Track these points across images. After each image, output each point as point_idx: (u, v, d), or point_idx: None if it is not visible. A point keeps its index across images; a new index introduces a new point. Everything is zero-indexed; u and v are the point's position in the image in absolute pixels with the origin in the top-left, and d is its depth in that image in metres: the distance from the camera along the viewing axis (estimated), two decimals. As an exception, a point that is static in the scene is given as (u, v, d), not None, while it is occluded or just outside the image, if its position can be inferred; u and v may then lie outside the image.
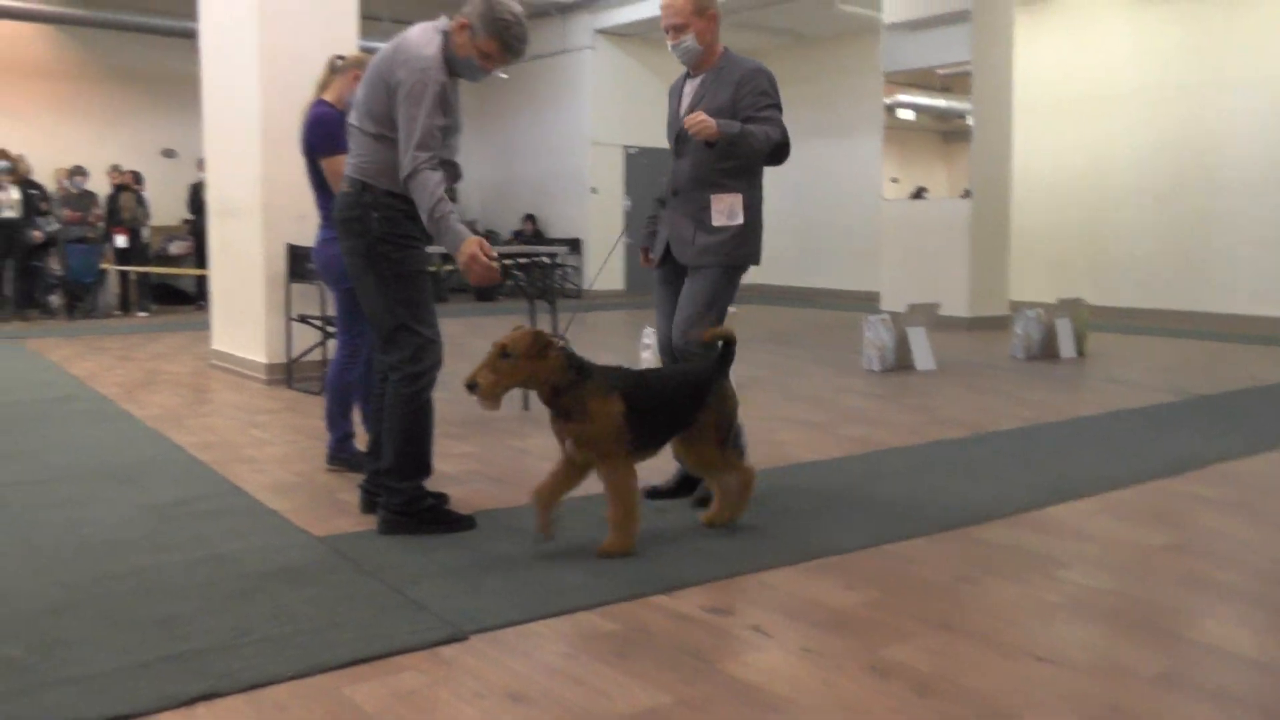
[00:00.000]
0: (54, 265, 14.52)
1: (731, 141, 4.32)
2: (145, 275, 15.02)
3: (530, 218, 18.87)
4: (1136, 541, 4.10)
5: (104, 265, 14.74)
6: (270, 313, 8.15)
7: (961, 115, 13.03)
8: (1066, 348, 9.78)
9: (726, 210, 4.52)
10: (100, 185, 15.00)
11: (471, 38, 4.06)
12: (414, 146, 3.92)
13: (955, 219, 12.88)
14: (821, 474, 5.18)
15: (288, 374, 8.07)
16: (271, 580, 3.60)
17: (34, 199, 14.11)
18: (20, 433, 6.24)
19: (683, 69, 4.71)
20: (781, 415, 6.75)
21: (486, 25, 4.04)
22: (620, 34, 18.10)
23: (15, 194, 13.81)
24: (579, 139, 18.45)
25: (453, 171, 4.14)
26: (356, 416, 5.34)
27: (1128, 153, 14.49)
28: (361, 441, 5.35)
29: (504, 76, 5.32)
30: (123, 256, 14.70)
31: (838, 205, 18.33)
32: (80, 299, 14.56)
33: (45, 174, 14.99)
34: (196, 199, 14.17)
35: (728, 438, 4.10)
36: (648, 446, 3.96)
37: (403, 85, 3.96)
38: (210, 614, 3.29)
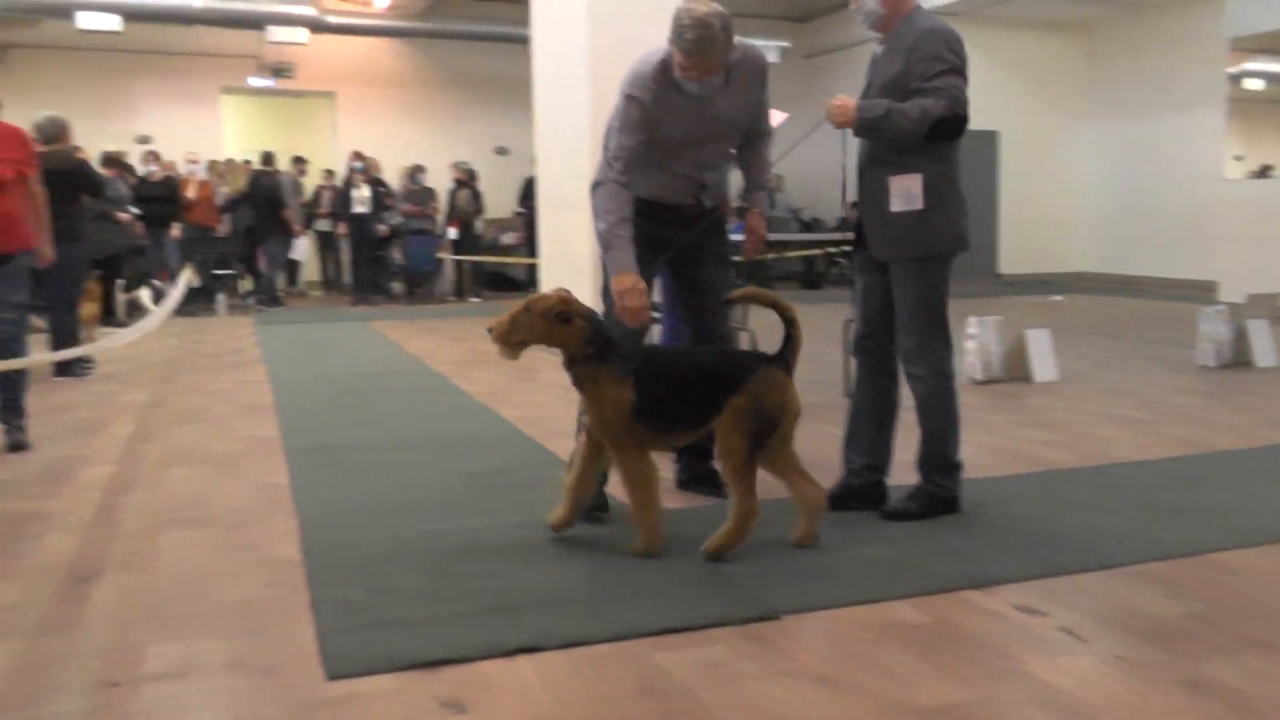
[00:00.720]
0: (396, 255, 15.67)
1: (873, 126, 4.00)
2: (478, 264, 15.94)
3: (855, 205, 18.61)
4: None
5: (441, 255, 15.77)
6: (596, 299, 8.48)
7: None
8: None
9: (904, 194, 4.06)
10: (439, 181, 16.04)
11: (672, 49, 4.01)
12: (606, 160, 4.09)
13: (1307, 202, 11.88)
14: (1144, 475, 4.95)
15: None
16: (589, 547, 3.83)
17: (380, 195, 15.25)
18: (363, 403, 6.85)
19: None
20: (1103, 411, 6.49)
21: (670, 33, 3.98)
22: (949, 13, 17.44)
23: (366, 191, 14.97)
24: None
25: (686, 185, 4.24)
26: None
27: None
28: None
29: (782, 115, 5.18)
30: (457, 246, 15.67)
31: (1171, 186, 17.10)
32: (419, 285, 15.66)
33: (391, 172, 16.18)
34: (528, 192, 14.93)
35: (759, 438, 3.63)
36: (666, 435, 3.74)
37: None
38: (529, 573, 3.55)
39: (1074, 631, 3.08)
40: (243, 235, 14.84)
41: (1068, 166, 18.95)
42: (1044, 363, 7.59)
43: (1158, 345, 9.64)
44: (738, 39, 4.12)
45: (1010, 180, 18.53)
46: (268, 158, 14.84)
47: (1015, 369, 7.58)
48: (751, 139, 4.42)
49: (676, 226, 4.34)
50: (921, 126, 3.91)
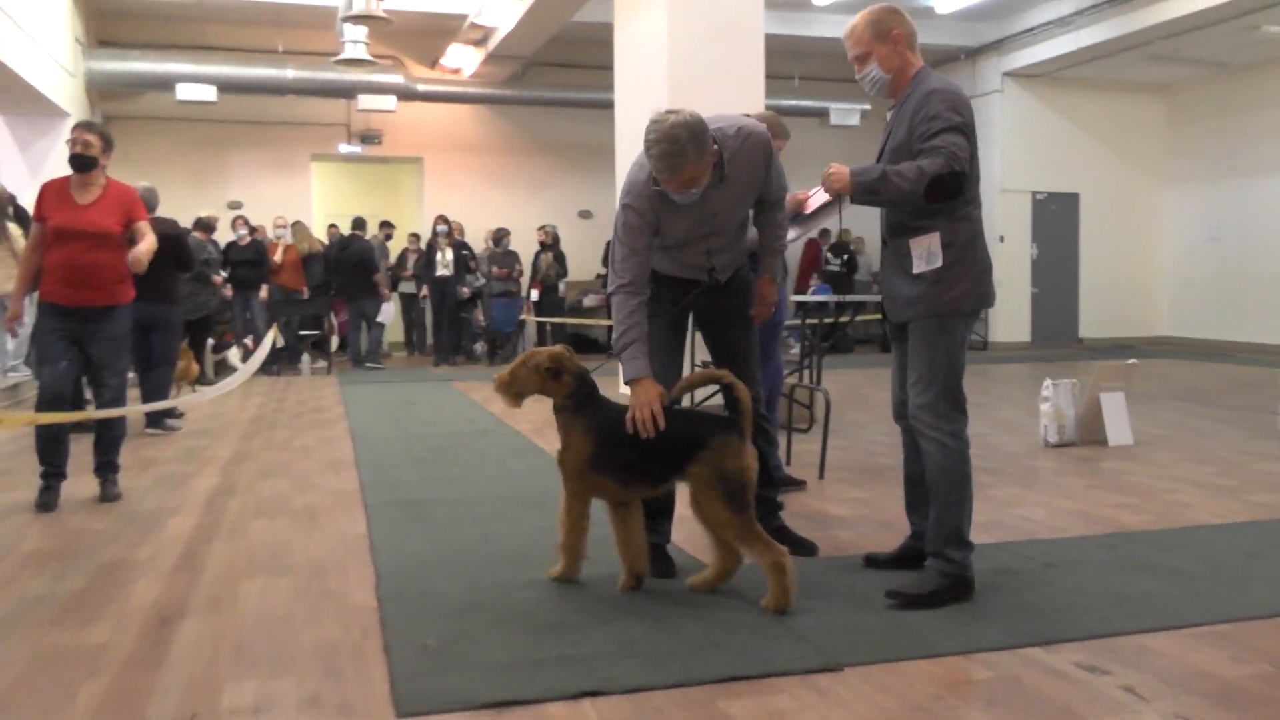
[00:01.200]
0: (479, 317, 15.93)
1: (869, 189, 3.87)
2: (560, 325, 16.15)
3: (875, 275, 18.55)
4: None
5: (523, 316, 16.00)
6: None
7: None
8: None
9: (925, 254, 3.96)
10: (522, 244, 16.32)
11: None
12: (613, 270, 4.11)
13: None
14: (1219, 539, 4.88)
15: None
16: (657, 600, 3.89)
17: (464, 258, 15.55)
18: (446, 460, 6.98)
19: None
20: (1183, 476, 6.40)
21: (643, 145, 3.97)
22: (1029, 75, 17.62)
23: (449, 254, 15.28)
24: (988, 186, 17.82)
25: (698, 268, 4.27)
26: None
27: None
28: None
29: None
30: (540, 308, 15.89)
31: (1254, 250, 16.87)
32: (501, 347, 15.88)
33: (475, 235, 16.51)
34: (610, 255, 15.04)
35: (738, 501, 3.74)
36: (624, 486, 3.96)
37: None
38: (600, 624, 3.62)
39: (1136, 691, 3.07)
40: (323, 297, 15.16)
41: (1149, 229, 18.78)
42: (1119, 426, 7.49)
43: (1240, 410, 9.48)
44: (738, 121, 4.14)
45: (1091, 243, 18.41)
46: (359, 223, 15.20)
47: (1090, 432, 7.50)
48: (763, 206, 4.40)
49: (698, 294, 4.38)
50: (918, 186, 3.76)
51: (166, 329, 8.11)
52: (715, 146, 3.98)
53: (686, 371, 5.05)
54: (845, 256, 17.84)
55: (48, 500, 5.66)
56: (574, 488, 4.02)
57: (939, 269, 3.91)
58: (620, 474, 3.94)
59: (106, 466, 5.97)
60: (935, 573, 3.92)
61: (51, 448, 5.72)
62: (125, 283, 5.85)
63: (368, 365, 14.70)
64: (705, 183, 3.99)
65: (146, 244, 5.85)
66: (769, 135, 4.24)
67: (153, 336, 7.94)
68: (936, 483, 3.94)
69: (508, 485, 6.16)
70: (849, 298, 7.24)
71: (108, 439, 5.96)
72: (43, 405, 5.65)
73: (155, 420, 8.45)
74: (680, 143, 3.81)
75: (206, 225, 12.06)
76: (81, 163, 5.74)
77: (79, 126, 5.86)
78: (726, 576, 4.00)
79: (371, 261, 14.90)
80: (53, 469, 5.73)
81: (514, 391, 4.03)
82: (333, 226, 16.44)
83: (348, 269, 14.75)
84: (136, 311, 6.12)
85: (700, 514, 3.83)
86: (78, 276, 5.63)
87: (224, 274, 13.18)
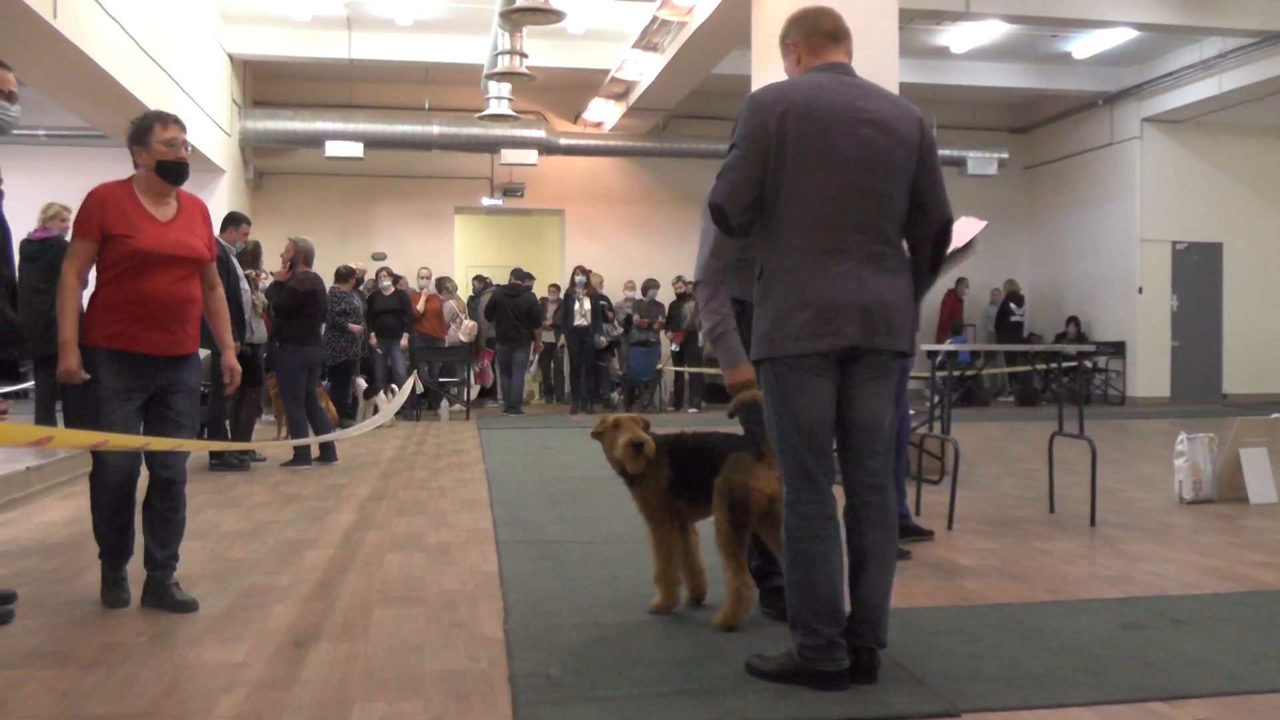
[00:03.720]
0: (616, 365, 16.10)
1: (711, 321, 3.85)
2: (699, 375, 16.21)
3: (1073, 320, 18.20)
4: None
5: (660, 365, 16.12)
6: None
7: None
8: None
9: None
10: (660, 295, 16.48)
11: None
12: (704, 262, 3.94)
13: None
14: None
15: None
16: (779, 640, 3.84)
17: (601, 308, 15.75)
18: (579, 503, 7.06)
19: None
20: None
21: None
22: (1169, 120, 17.18)
23: (587, 304, 15.50)
24: (1127, 236, 17.55)
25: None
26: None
27: None
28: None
29: (980, 224, 5.20)
30: (678, 358, 15.99)
31: None
32: (638, 395, 16.00)
33: (615, 285, 16.74)
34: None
35: (736, 516, 3.84)
36: (698, 504, 4.13)
37: None
38: (723, 660, 3.62)
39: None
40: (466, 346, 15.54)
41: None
42: (1261, 483, 7.15)
43: None
44: None
45: (1235, 294, 17.79)
46: (521, 274, 15.56)
47: (1229, 489, 7.18)
48: None
49: None
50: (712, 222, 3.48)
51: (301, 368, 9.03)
52: None
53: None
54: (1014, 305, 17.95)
55: (118, 595, 4.42)
56: (658, 516, 4.21)
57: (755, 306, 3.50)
58: (692, 495, 4.13)
59: (171, 561, 4.48)
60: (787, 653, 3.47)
61: (117, 535, 4.43)
62: (197, 325, 4.56)
63: (515, 411, 14.98)
64: None
65: (229, 353, 4.70)
66: None
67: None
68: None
69: (638, 528, 6.13)
70: (982, 346, 7.15)
71: (176, 523, 4.50)
72: (109, 495, 4.35)
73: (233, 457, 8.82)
74: None
75: (345, 275, 12.48)
76: (180, 173, 4.48)
77: (169, 121, 4.48)
78: (745, 606, 4.03)
79: (540, 311, 15.33)
80: (120, 551, 4.46)
81: (634, 447, 4.21)
82: (478, 279, 16.94)
83: (518, 316, 15.10)
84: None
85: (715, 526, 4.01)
86: (168, 316, 4.34)
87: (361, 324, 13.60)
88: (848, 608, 3.41)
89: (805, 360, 3.32)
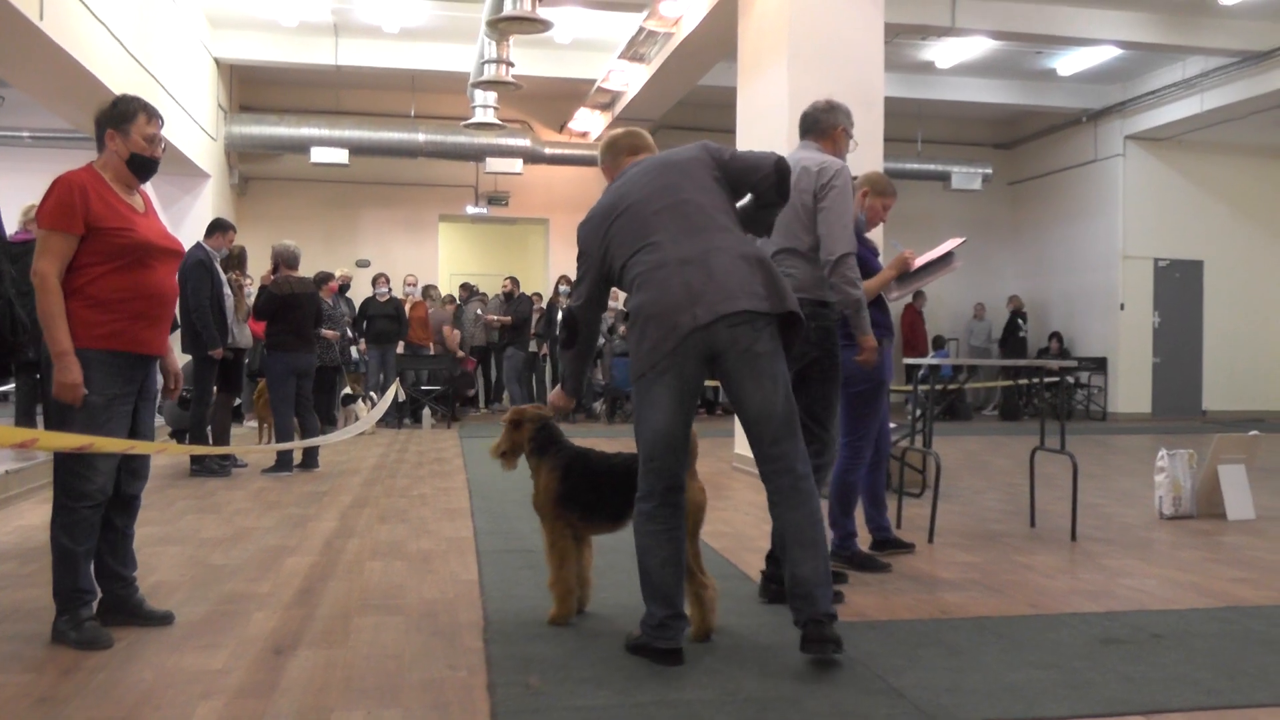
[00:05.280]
0: (599, 375, 16.07)
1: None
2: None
3: (1056, 335, 18.27)
4: None
5: (641, 376, 16.10)
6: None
7: None
8: None
9: None
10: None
11: None
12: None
13: None
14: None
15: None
16: (762, 650, 3.90)
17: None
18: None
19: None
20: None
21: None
22: (1152, 138, 17.27)
23: (570, 312, 15.50)
24: (1109, 252, 17.62)
25: None
26: (860, 518, 5.56)
27: None
28: (864, 542, 5.59)
29: (957, 240, 5.47)
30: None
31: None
32: (621, 405, 15.98)
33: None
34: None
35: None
36: (594, 519, 4.29)
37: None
38: (702, 673, 3.63)
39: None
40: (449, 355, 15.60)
41: (1279, 297, 18.23)
42: (1239, 500, 7.18)
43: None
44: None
45: (1216, 312, 17.88)
46: (516, 282, 15.80)
47: (1208, 505, 7.21)
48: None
49: None
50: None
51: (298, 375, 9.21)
52: None
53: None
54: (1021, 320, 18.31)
55: (103, 632, 3.96)
56: (546, 519, 4.32)
57: None
58: (583, 511, 4.26)
59: (135, 578, 4.26)
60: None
61: (85, 565, 3.99)
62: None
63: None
64: None
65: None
66: None
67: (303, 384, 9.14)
68: None
69: (620, 538, 6.10)
70: (964, 360, 7.18)
71: (131, 538, 4.26)
72: (91, 512, 3.96)
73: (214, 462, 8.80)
74: None
75: (322, 281, 12.42)
76: (152, 171, 4.25)
77: (155, 115, 4.25)
78: (709, 606, 4.05)
79: (528, 316, 15.72)
80: (86, 592, 4.00)
81: (500, 453, 4.40)
82: (464, 287, 16.97)
83: (515, 324, 15.45)
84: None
85: None
86: (165, 311, 4.17)
87: (338, 330, 13.56)
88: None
89: (656, 370, 3.71)
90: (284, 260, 9.29)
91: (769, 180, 3.92)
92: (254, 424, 11.72)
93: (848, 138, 5.00)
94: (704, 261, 3.70)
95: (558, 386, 4.44)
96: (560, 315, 3.79)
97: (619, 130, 4.33)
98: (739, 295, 3.65)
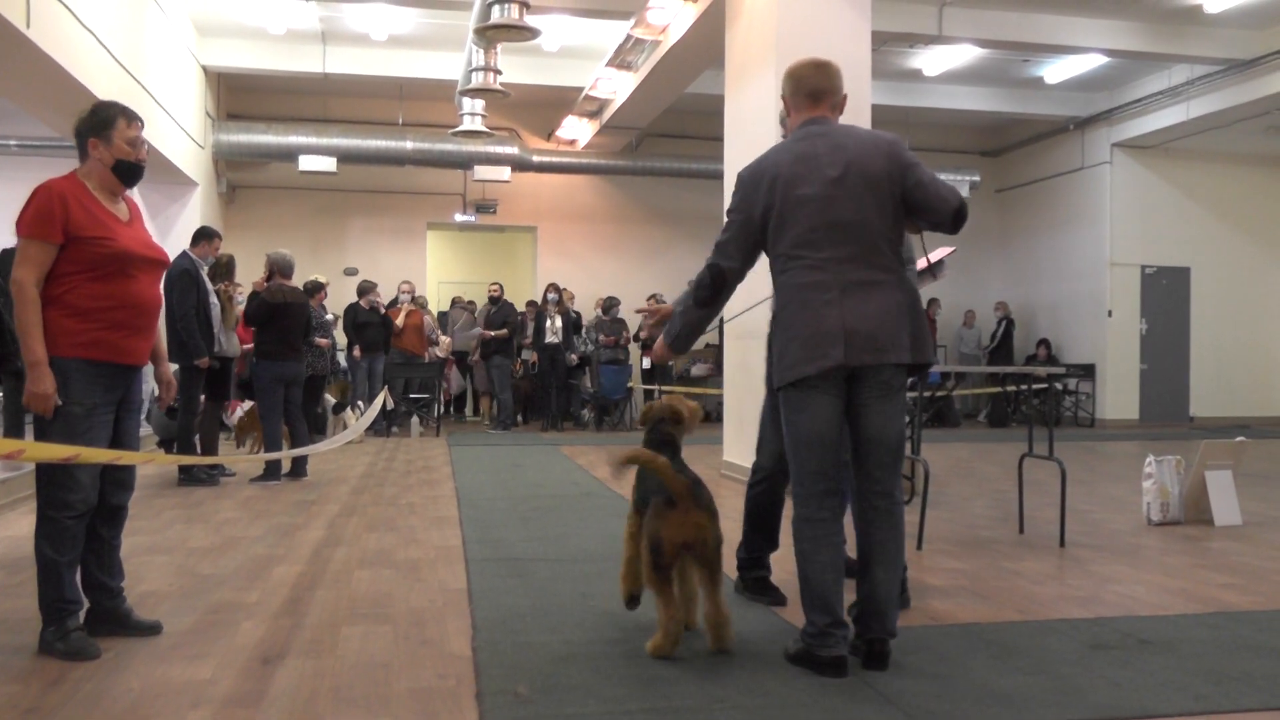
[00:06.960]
0: (587, 383, 16.10)
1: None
2: (669, 394, 16.18)
3: (1044, 342, 18.32)
4: None
5: (631, 384, 16.12)
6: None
7: None
8: None
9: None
10: (633, 313, 16.48)
11: None
12: None
13: None
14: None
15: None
16: (750, 659, 3.90)
17: (574, 323, 15.77)
18: (549, 520, 7.05)
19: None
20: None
21: None
22: (1139, 146, 17.35)
23: (558, 322, 15.50)
24: (1097, 259, 17.68)
25: None
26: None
27: None
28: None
29: (947, 250, 5.40)
30: (649, 376, 16.00)
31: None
32: (608, 413, 16.00)
33: (587, 303, 16.74)
34: (719, 325, 15.19)
35: (653, 554, 3.96)
36: None
37: None
38: (691, 680, 3.63)
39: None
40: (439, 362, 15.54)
41: (1265, 304, 18.33)
42: (1226, 505, 7.20)
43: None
44: None
45: (1203, 319, 17.97)
46: (500, 286, 15.82)
47: (1196, 511, 7.23)
48: None
49: None
50: (689, 297, 4.28)
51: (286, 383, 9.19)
52: None
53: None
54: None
55: (89, 643, 3.93)
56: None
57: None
58: None
59: (123, 589, 4.26)
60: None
61: (69, 576, 3.97)
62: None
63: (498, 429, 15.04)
64: None
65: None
66: None
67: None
68: None
69: (608, 545, 6.18)
70: (952, 368, 7.19)
71: (118, 548, 4.24)
72: (75, 523, 3.92)
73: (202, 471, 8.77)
74: None
75: (313, 290, 12.42)
76: (138, 175, 4.22)
77: (134, 118, 4.23)
78: (671, 638, 3.97)
79: (516, 324, 15.72)
80: (72, 602, 3.98)
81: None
82: (455, 301, 16.99)
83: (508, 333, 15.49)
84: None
85: None
86: (148, 321, 4.12)
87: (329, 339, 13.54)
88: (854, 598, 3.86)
89: (805, 383, 3.78)
90: (279, 269, 9.29)
91: (944, 226, 3.87)
92: (231, 435, 11.71)
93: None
94: (864, 298, 3.78)
95: (660, 338, 4.36)
96: (701, 273, 3.74)
97: (804, 62, 4.12)
98: (889, 348, 3.77)
